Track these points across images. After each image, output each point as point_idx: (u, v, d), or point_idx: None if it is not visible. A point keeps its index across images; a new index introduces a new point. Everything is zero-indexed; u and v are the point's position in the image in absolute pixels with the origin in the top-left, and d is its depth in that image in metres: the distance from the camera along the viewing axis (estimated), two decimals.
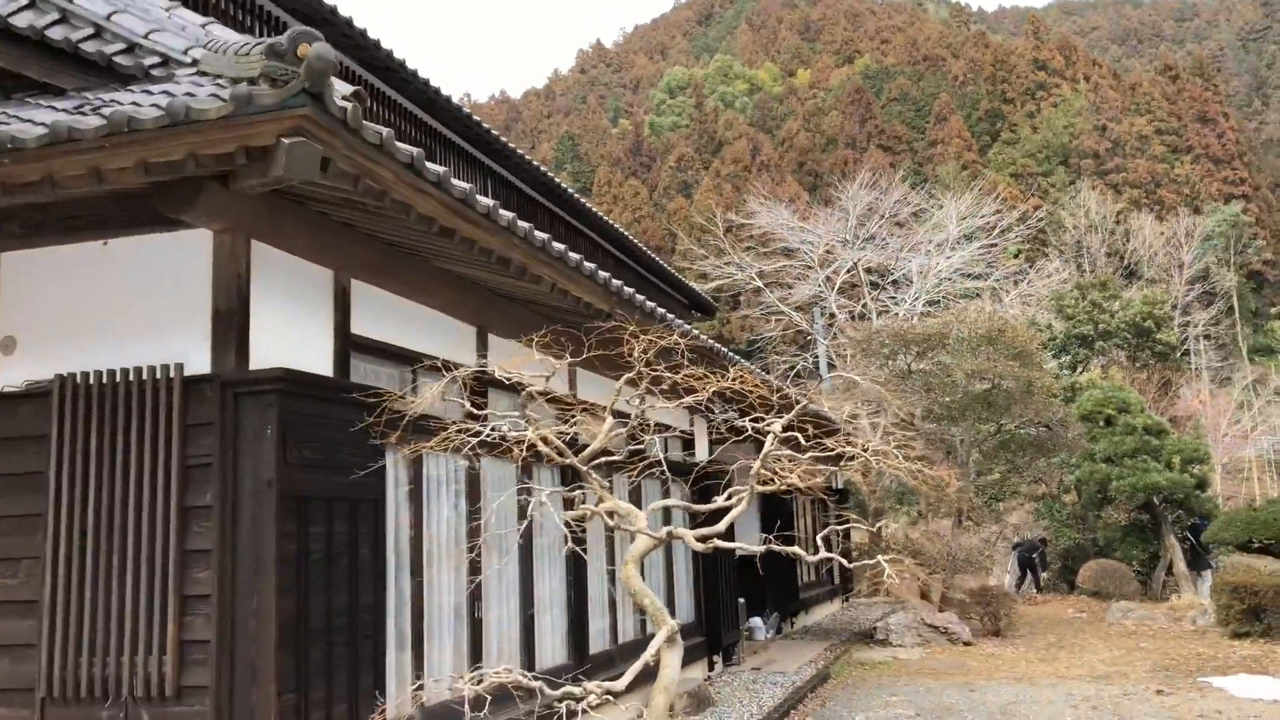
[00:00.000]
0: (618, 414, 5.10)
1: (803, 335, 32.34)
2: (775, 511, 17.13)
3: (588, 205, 17.46)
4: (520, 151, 13.97)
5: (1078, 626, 18.10)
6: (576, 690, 4.08)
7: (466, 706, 4.38)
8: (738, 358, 5.69)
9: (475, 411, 5.37)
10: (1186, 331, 46.60)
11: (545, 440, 4.78)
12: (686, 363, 5.10)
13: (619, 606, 10.54)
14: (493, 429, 4.96)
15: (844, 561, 5.81)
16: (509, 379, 5.13)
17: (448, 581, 7.06)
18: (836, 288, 29.67)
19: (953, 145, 76.36)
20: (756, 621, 16.18)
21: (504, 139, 13.71)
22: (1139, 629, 17.30)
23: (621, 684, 4.31)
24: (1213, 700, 10.87)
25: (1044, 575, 24.85)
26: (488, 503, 7.29)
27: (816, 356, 29.06)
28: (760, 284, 29.69)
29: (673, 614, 12.00)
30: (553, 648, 8.70)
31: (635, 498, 11.44)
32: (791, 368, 31.80)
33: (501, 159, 14.17)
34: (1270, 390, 47.97)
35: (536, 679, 4.19)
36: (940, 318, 18.63)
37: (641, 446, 7.00)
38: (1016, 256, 37.04)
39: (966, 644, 15.23)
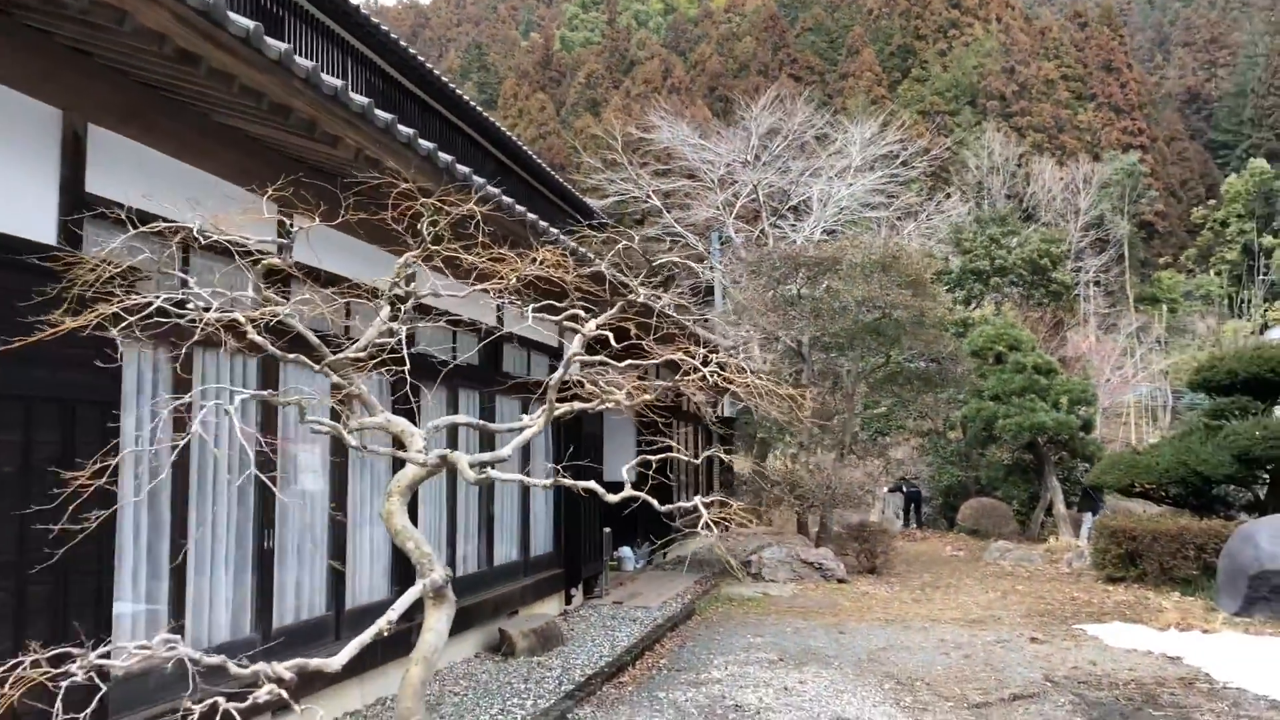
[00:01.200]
0: (397, 301, 3.98)
1: (701, 259, 31.37)
2: (652, 437, 16.27)
3: (463, 97, 15.96)
4: (376, 20, 12.47)
5: (954, 565, 17.77)
6: (270, 670, 3.01)
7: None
8: (560, 235, 4.61)
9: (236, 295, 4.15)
10: (1078, 277, 47.09)
11: (258, 325, 3.62)
12: (486, 240, 3.99)
13: (469, 533, 9.55)
14: (182, 306, 3.76)
15: (657, 504, 4.83)
16: (225, 242, 3.91)
17: (225, 505, 5.92)
18: (735, 212, 28.70)
19: (863, 79, 75.71)
20: (626, 551, 15.39)
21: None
22: (1015, 570, 17.02)
23: (337, 662, 3.21)
24: (1088, 650, 10.38)
25: (925, 511, 24.72)
26: (287, 410, 6.17)
27: (711, 281, 28.12)
28: (658, 203, 28.53)
29: (527, 544, 11.08)
30: (371, 582, 7.64)
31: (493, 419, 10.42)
32: (688, 291, 30.87)
33: (354, 28, 12.67)
34: (1152, 338, 49.05)
35: (214, 653, 3.10)
36: (835, 243, 17.81)
37: (407, 346, 5.86)
38: (918, 195, 36.61)
39: (841, 581, 14.67)
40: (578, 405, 4.35)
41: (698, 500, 4.05)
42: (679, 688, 8.37)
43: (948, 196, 34.67)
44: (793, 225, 28.84)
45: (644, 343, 4.36)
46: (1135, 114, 73.79)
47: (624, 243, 4.34)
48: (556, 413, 4.12)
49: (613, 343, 4.11)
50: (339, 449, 6.77)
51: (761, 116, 28.48)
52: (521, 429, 4.25)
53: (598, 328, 4.04)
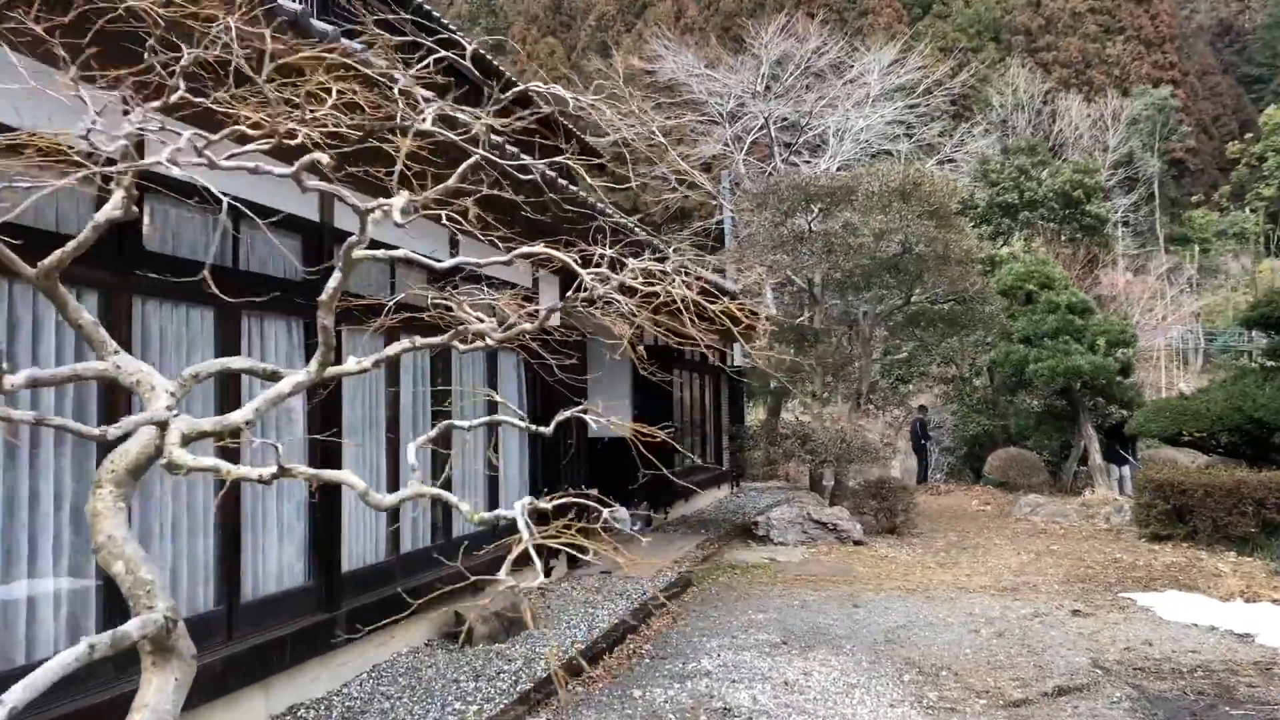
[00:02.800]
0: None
1: (712, 200, 29.81)
2: (649, 386, 14.91)
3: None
4: None
5: (982, 522, 16.39)
6: None
7: None
8: (397, 77, 3.13)
9: None
10: (1109, 218, 45.25)
11: None
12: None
13: (419, 499, 8.20)
14: None
15: (453, 499, 3.40)
16: None
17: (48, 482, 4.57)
18: (745, 148, 27.03)
19: (884, 16, 73.15)
20: (621, 512, 14.05)
21: None
22: (1049, 527, 15.62)
23: None
24: (1139, 625, 9.00)
25: (933, 456, 23.34)
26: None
27: (722, 222, 26.60)
28: (663, 139, 26.84)
29: (495, 506, 9.74)
30: (280, 565, 6.31)
31: (492, 379, 9.02)
32: (697, 233, 29.38)
33: None
34: (1183, 280, 47.20)
35: None
36: (850, 172, 16.25)
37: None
38: (941, 133, 34.62)
39: (857, 543, 13.31)
40: (422, 341, 2.95)
41: (521, 506, 2.60)
42: (660, 683, 7.05)
43: (970, 132, 32.84)
44: (807, 162, 27.18)
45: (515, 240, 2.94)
46: (1166, 47, 71.04)
47: (474, 45, 2.88)
48: (389, 352, 2.74)
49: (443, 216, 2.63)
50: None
51: (773, 44, 26.71)
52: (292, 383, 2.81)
53: (432, 201, 2.61)
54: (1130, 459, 19.24)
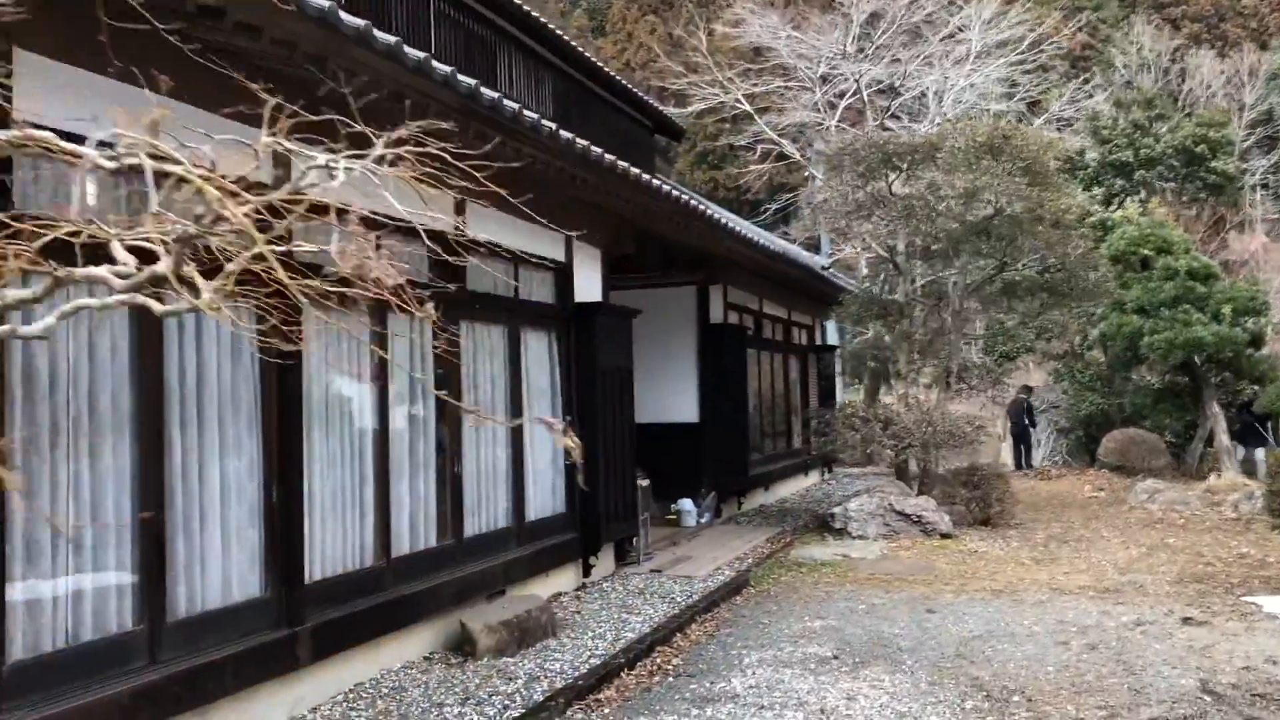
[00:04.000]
0: None
1: (800, 172, 28.51)
2: (719, 365, 13.92)
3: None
4: None
5: (1091, 511, 14.93)
6: None
7: None
8: None
9: None
10: (1243, 180, 42.14)
11: None
12: None
13: (420, 498, 7.43)
14: None
15: None
16: None
17: None
18: (839, 114, 25.63)
19: None
20: (686, 504, 13.13)
21: None
22: (1166, 516, 14.10)
23: None
24: (1263, 637, 7.67)
25: (1045, 439, 21.74)
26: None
27: (813, 194, 25.31)
28: (748, 107, 25.62)
29: (521, 505, 8.78)
30: (217, 581, 5.56)
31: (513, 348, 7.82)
32: (783, 209, 28.16)
33: None
34: None
35: None
36: (935, 129, 14.89)
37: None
38: (1057, 96, 32.39)
39: (945, 536, 12.08)
40: (84, 302, 2.03)
41: None
42: (675, 708, 6.10)
43: (1084, 89, 30.63)
44: (905, 127, 25.66)
45: None
46: None
47: None
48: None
49: None
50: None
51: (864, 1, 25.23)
52: None
53: None
54: (1270, 440, 17.44)
